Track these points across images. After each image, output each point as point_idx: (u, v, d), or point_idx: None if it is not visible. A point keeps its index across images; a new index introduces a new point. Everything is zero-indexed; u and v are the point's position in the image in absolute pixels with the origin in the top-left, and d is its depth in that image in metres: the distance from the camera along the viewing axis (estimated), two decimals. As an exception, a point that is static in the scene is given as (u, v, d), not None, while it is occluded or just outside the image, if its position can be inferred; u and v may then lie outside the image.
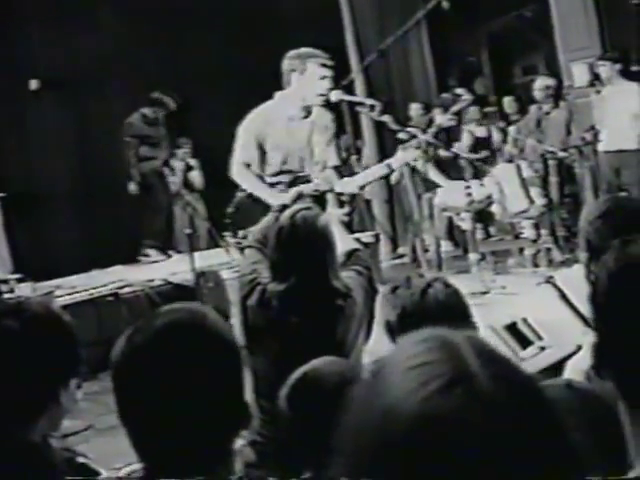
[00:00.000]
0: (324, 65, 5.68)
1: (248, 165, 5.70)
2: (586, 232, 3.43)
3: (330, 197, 5.62)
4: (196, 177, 11.90)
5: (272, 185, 5.67)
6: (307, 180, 5.69)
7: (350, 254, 4.22)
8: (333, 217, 4.32)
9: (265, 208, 5.38)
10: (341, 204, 5.61)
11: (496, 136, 11.17)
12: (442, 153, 9.83)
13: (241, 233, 5.50)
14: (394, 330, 2.92)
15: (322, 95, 5.70)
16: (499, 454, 0.98)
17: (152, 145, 11.18)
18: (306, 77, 5.66)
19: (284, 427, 2.76)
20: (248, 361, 3.75)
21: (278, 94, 5.85)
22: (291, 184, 5.66)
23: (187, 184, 11.77)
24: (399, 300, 2.89)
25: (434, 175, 9.48)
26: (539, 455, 1.00)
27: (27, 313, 2.25)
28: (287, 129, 5.74)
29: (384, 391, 1.04)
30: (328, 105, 5.85)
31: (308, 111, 5.80)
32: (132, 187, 11.07)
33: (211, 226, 9.37)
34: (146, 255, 10.75)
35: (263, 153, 5.71)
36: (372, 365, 1.12)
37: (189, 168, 11.84)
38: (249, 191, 5.69)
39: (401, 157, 5.87)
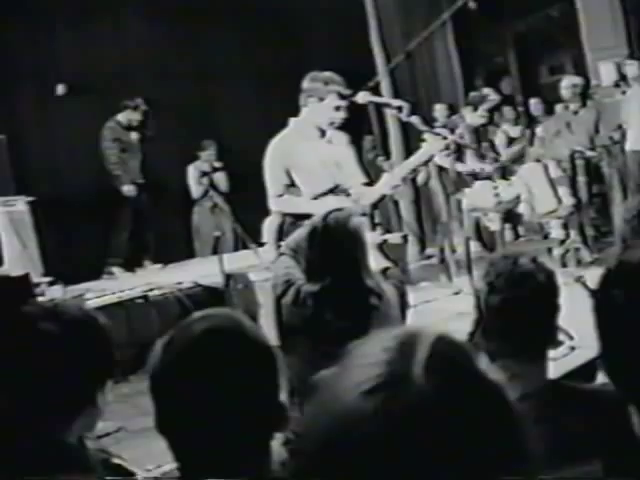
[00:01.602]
0: (342, 96, 5.75)
1: (282, 195, 5.71)
2: (622, 231, 3.42)
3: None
4: (221, 179, 11.93)
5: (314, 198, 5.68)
6: (345, 191, 5.72)
7: (384, 271, 4.27)
8: (369, 240, 4.33)
9: None
10: (374, 227, 5.64)
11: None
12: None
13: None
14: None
15: (333, 124, 5.79)
16: (420, 462, 0.97)
17: (127, 151, 11.05)
18: (323, 105, 5.73)
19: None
20: (282, 360, 3.84)
21: (292, 120, 5.92)
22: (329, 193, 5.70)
23: (213, 186, 11.79)
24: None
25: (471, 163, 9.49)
26: (461, 467, 0.99)
27: (65, 316, 2.27)
28: (309, 151, 5.77)
29: (336, 384, 1.06)
30: (341, 128, 5.91)
31: (322, 131, 5.85)
32: (127, 189, 10.86)
33: (241, 228, 9.37)
34: (110, 273, 10.61)
35: (292, 182, 5.73)
36: (343, 355, 1.12)
37: (214, 170, 11.86)
38: (294, 212, 5.66)
39: (427, 149, 5.86)
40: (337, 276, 3.86)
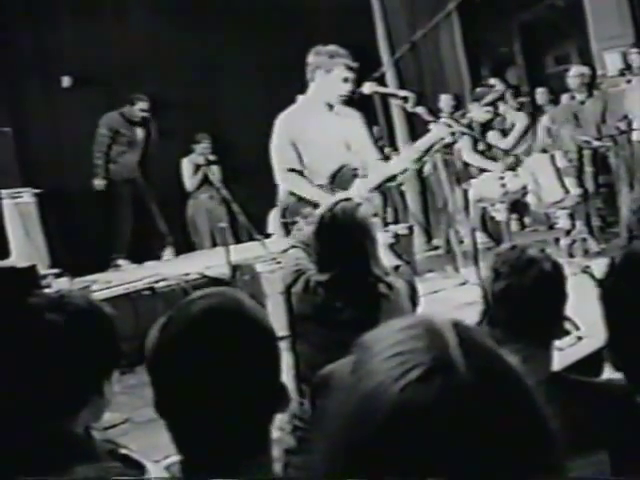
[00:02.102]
0: (349, 68, 5.72)
1: (292, 170, 5.73)
2: (629, 221, 3.43)
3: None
4: (215, 172, 11.86)
5: (320, 186, 5.69)
6: (354, 171, 5.72)
7: (394, 269, 4.32)
8: (380, 240, 4.36)
9: (311, 209, 5.44)
10: (386, 225, 5.65)
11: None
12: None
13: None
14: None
15: (342, 96, 5.80)
16: (477, 445, 0.98)
17: (126, 145, 11.13)
18: (331, 77, 5.75)
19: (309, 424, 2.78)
20: (291, 347, 3.93)
21: (300, 97, 5.94)
22: (335, 175, 5.70)
23: (207, 179, 11.79)
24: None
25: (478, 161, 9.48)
26: (519, 445, 1.00)
27: (70, 307, 2.27)
28: (317, 126, 5.78)
29: (365, 376, 1.05)
30: (350, 102, 5.90)
31: (330, 106, 5.85)
32: (98, 183, 10.94)
33: (246, 219, 9.37)
34: (117, 265, 10.66)
35: (299, 156, 5.74)
36: (356, 347, 1.12)
37: (209, 163, 11.82)
38: (297, 193, 5.71)
39: (434, 134, 5.86)
40: (346, 265, 3.90)
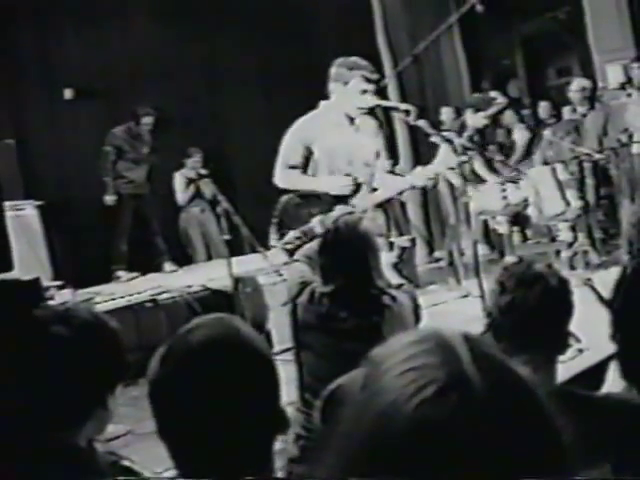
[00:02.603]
0: (367, 79, 5.75)
1: (293, 167, 5.76)
2: (629, 234, 3.44)
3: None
4: (207, 186, 11.82)
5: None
6: (358, 186, 5.75)
7: (397, 287, 4.40)
8: (384, 260, 4.45)
9: (310, 213, 5.49)
10: (390, 246, 5.69)
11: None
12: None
13: (288, 236, 5.59)
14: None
15: (362, 108, 5.81)
16: (494, 459, 0.97)
17: (132, 162, 11.11)
18: (348, 89, 5.75)
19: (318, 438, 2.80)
20: (295, 358, 4.03)
21: (322, 103, 5.93)
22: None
23: (199, 193, 11.83)
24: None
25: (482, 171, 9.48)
26: (533, 457, 1.00)
27: (76, 320, 2.28)
28: (334, 134, 5.78)
29: (378, 393, 1.04)
30: (371, 113, 5.93)
31: (351, 119, 5.86)
32: (108, 199, 10.94)
33: (248, 232, 9.36)
34: (118, 277, 10.68)
35: (307, 160, 5.76)
36: (366, 363, 1.11)
37: (200, 177, 11.83)
38: (299, 188, 5.73)
39: (442, 160, 5.90)
40: (349, 277, 3.99)
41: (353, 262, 4.01)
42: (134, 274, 10.57)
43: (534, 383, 1.08)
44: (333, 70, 5.84)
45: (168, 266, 11.15)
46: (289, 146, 5.80)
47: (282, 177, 5.80)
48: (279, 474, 3.86)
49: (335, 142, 5.75)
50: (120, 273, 10.67)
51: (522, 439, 1.00)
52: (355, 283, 4.01)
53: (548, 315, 2.70)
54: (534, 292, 2.68)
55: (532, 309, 2.68)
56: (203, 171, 11.68)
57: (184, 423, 1.84)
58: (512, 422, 1.00)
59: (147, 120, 11.14)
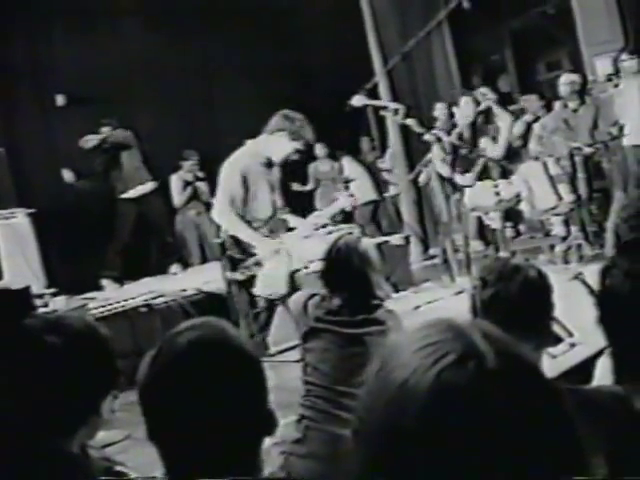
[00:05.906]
0: (294, 139, 6.17)
1: (232, 202, 6.12)
2: (618, 229, 3.46)
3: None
4: (203, 189, 11.85)
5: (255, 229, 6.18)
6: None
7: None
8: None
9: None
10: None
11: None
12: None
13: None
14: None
15: (279, 161, 6.32)
16: (509, 425, 1.02)
17: (118, 169, 11.08)
18: (271, 139, 6.22)
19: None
20: (302, 353, 4.37)
21: (249, 142, 6.35)
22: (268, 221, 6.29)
23: (196, 196, 11.85)
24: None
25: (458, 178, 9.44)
26: (542, 426, 1.05)
27: (67, 329, 2.30)
28: (259, 174, 6.25)
29: (397, 368, 1.08)
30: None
31: (271, 164, 6.35)
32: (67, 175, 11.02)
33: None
34: (114, 278, 10.66)
35: (246, 191, 6.17)
36: (382, 350, 1.15)
37: (197, 179, 11.86)
38: (230, 233, 6.17)
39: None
40: (352, 291, 4.33)
41: (355, 278, 4.34)
42: (117, 285, 10.55)
43: (537, 362, 1.14)
44: (273, 118, 6.24)
45: (174, 268, 11.16)
46: (228, 176, 6.21)
47: (219, 213, 6.26)
48: (278, 455, 3.99)
49: (258, 182, 6.24)
50: (105, 282, 10.62)
51: (535, 409, 1.05)
52: (358, 296, 4.34)
53: (530, 306, 2.78)
54: (515, 283, 2.78)
55: (514, 300, 2.76)
56: (199, 174, 11.74)
57: (172, 425, 1.85)
58: (524, 392, 1.06)
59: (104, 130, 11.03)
